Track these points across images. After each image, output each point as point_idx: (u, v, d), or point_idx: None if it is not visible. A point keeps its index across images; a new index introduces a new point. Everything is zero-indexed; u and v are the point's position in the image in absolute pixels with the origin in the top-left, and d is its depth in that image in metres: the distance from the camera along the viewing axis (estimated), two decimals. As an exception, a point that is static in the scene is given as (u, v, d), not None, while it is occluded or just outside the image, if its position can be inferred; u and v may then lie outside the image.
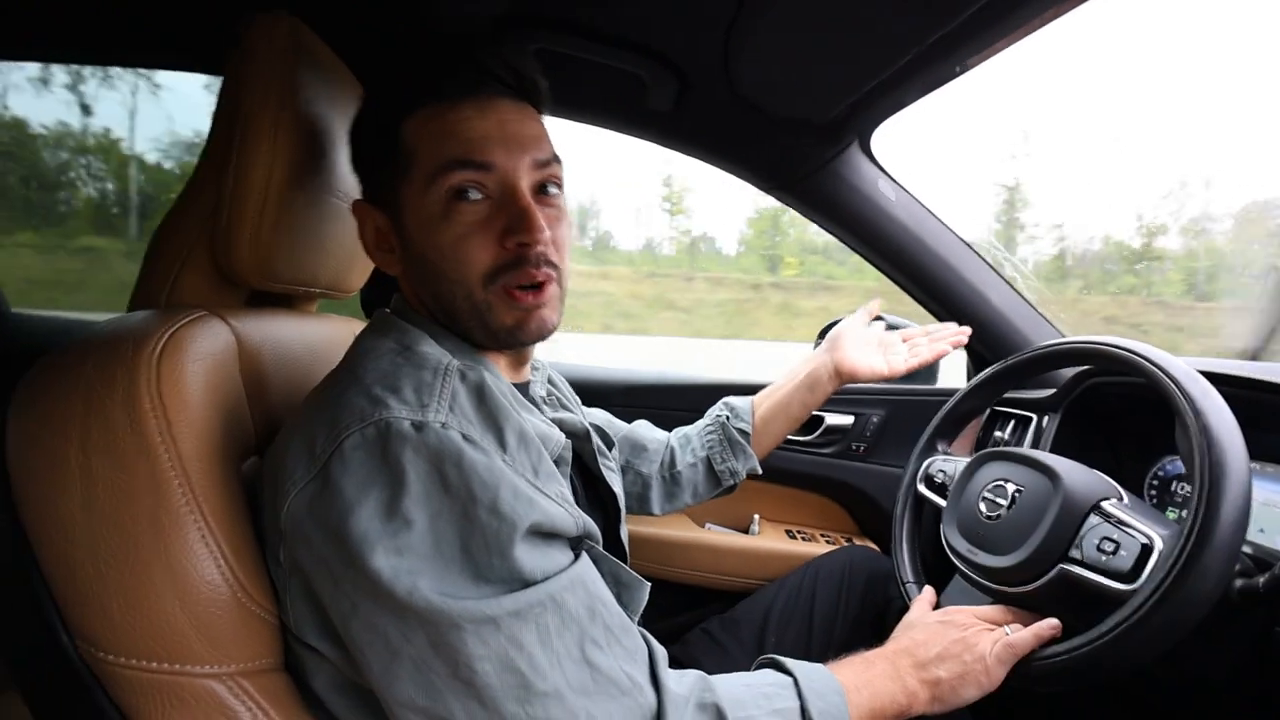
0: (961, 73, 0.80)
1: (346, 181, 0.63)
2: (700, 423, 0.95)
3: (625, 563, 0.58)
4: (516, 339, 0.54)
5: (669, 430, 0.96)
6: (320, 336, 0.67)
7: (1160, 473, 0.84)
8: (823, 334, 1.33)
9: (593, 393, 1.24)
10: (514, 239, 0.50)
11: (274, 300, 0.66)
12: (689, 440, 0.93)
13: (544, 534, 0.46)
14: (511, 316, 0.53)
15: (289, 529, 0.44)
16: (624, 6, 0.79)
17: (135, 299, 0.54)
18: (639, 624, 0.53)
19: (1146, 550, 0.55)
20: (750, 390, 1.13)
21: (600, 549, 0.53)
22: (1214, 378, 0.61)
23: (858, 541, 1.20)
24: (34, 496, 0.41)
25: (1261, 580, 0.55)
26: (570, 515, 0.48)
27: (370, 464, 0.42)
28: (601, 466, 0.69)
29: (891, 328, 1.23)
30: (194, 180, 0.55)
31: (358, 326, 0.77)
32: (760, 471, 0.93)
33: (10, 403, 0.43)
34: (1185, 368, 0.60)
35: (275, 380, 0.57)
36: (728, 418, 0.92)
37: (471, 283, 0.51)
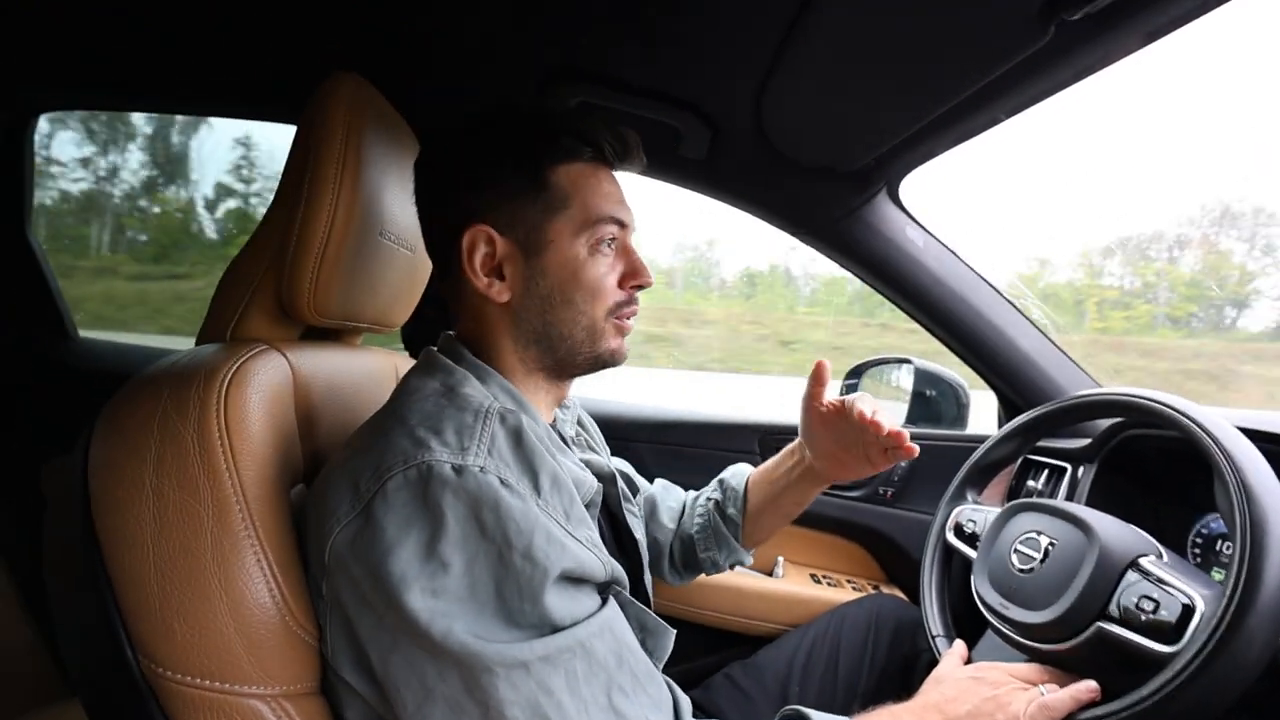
0: (991, 125, 0.82)
1: (398, 224, 0.67)
2: (699, 496, 0.90)
3: (649, 608, 0.58)
4: (613, 361, 0.62)
5: (693, 476, 0.94)
6: (365, 369, 0.70)
7: (1204, 530, 0.81)
8: (853, 373, 1.33)
9: (622, 430, 1.26)
10: (634, 282, 0.61)
11: (322, 334, 0.69)
12: (691, 512, 0.89)
13: (574, 579, 0.47)
14: (617, 342, 0.61)
15: (332, 564, 0.46)
16: (661, 62, 0.84)
17: (204, 332, 0.58)
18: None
19: (1188, 611, 0.53)
20: (785, 431, 1.12)
21: (627, 595, 0.53)
22: (1254, 435, 0.60)
23: (884, 589, 1.17)
24: (109, 514, 0.44)
25: None
26: (599, 560, 0.49)
27: (412, 505, 0.44)
28: (626, 512, 0.70)
29: (923, 373, 1.23)
30: (264, 223, 0.60)
31: (398, 358, 0.81)
32: (749, 563, 0.88)
33: (95, 422, 0.46)
34: (1223, 423, 0.59)
35: (323, 411, 0.60)
36: (719, 501, 0.87)
37: (598, 314, 0.59)
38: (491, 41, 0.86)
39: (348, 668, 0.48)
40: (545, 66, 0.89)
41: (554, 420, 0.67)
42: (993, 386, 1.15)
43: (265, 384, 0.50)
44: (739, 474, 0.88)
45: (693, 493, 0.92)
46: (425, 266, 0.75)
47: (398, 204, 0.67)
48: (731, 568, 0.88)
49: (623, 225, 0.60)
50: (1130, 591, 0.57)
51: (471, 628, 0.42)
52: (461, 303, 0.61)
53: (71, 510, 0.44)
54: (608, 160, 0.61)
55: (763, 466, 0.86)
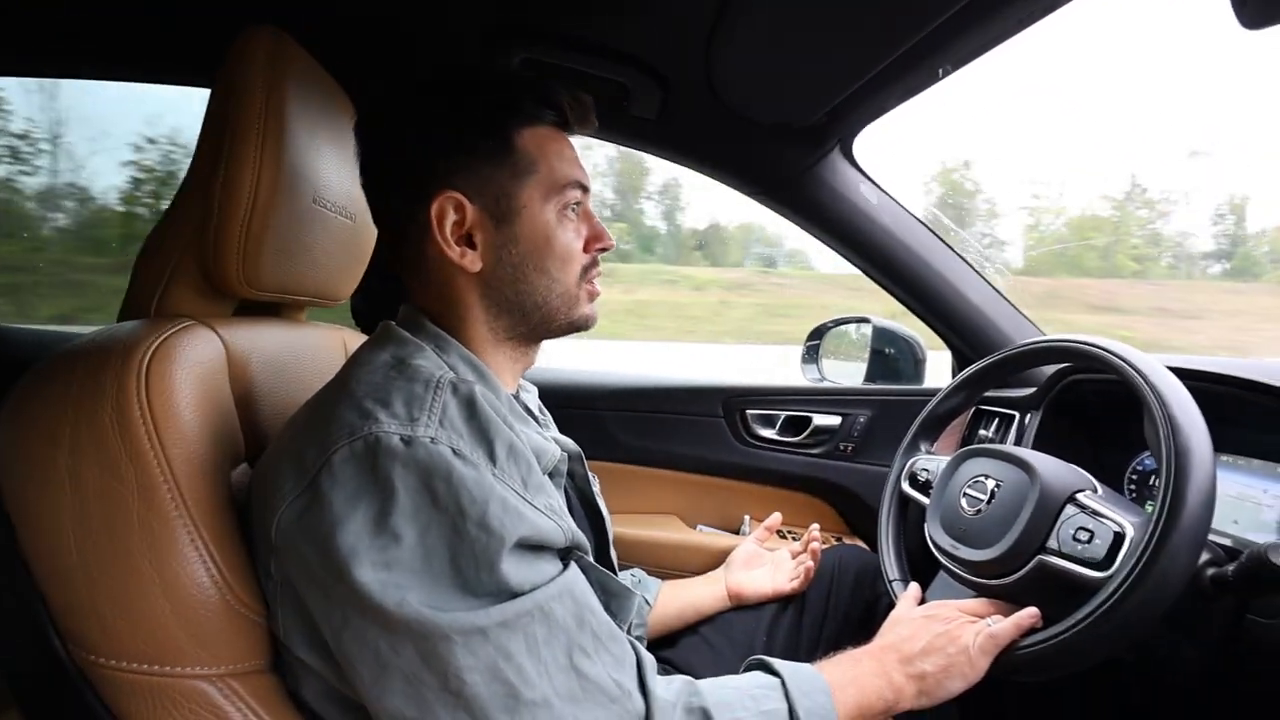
0: (943, 76, 0.82)
1: (333, 191, 0.63)
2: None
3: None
4: (586, 325, 0.63)
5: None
6: (308, 345, 0.68)
7: (1139, 468, 0.86)
8: (814, 333, 1.35)
9: (586, 398, 1.25)
10: (598, 245, 0.61)
11: (262, 309, 0.66)
12: None
13: (532, 546, 0.47)
14: (589, 308, 0.62)
15: (280, 542, 0.45)
16: (606, 16, 0.81)
17: (124, 309, 0.55)
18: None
19: (1119, 538, 0.56)
20: (747, 394, 1.12)
21: (589, 559, 0.54)
22: (1183, 373, 0.63)
23: (847, 540, 1.21)
24: (25, 503, 0.41)
25: (1231, 568, 0.57)
26: (559, 526, 0.49)
27: (359, 478, 0.43)
28: (593, 492, 0.71)
29: (882, 330, 1.26)
30: (182, 191, 0.56)
31: (346, 333, 0.78)
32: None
33: (1, 408, 0.43)
34: (1153, 362, 0.62)
35: (264, 389, 0.57)
36: (637, 582, 0.91)
37: (571, 279, 0.59)
38: None
39: (302, 646, 0.47)
40: (488, 22, 0.85)
41: (517, 392, 0.65)
42: (945, 340, 1.18)
43: (193, 360, 0.48)
44: (654, 579, 0.92)
45: None
46: (369, 236, 0.71)
47: (332, 169, 0.63)
48: None
49: (585, 189, 0.60)
50: (1068, 524, 0.60)
51: (426, 599, 0.42)
52: (424, 274, 0.58)
53: None
54: (568, 124, 0.60)
55: (680, 581, 0.92)
